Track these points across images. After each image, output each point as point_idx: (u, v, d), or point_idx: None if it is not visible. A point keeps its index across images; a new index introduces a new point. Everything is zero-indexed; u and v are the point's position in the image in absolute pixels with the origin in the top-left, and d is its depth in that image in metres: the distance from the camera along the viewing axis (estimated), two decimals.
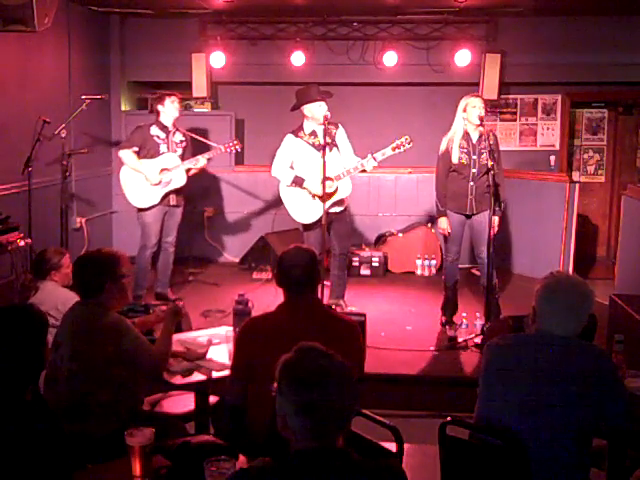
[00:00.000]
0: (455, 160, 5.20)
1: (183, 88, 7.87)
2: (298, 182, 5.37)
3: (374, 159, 5.23)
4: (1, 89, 5.59)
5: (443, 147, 5.29)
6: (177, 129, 5.96)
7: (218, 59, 7.49)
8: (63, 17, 6.40)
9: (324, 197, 5.05)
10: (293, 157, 5.42)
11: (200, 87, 7.57)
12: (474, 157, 5.17)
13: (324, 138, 5.04)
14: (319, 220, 5.34)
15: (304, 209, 5.43)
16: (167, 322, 3.17)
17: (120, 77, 7.84)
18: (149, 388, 3.43)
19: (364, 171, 5.37)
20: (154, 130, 5.84)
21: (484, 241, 5.13)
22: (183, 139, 5.98)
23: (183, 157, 5.89)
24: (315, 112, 5.28)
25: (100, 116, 7.42)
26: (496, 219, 5.20)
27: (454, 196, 5.27)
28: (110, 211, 7.72)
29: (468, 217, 5.30)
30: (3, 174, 5.51)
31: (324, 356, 1.81)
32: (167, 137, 5.86)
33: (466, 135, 5.21)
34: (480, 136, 5.17)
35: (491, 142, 5.16)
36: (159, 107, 5.87)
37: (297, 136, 5.41)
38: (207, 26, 7.68)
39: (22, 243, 5.07)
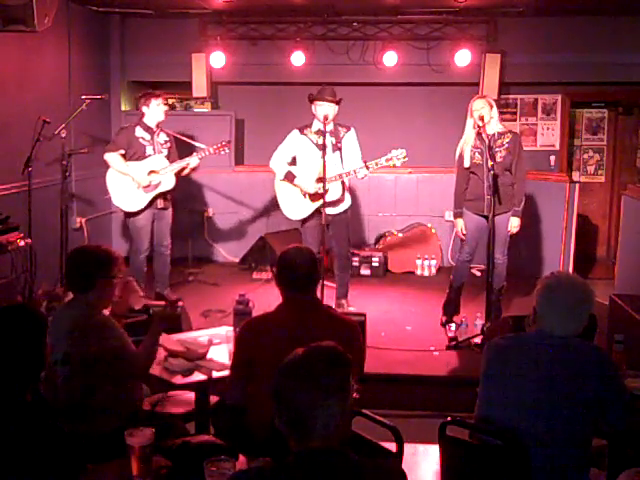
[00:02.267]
0: (467, 164, 5.23)
1: (183, 88, 7.89)
2: (290, 178, 5.44)
3: (366, 167, 5.22)
4: (1, 89, 5.59)
5: (458, 152, 5.33)
6: (161, 129, 5.87)
7: (218, 59, 7.49)
8: (63, 17, 6.40)
9: (324, 195, 5.06)
10: (295, 152, 5.48)
11: (200, 87, 7.57)
12: (487, 156, 5.16)
13: (323, 138, 5.05)
14: (313, 218, 5.38)
15: (293, 205, 5.50)
16: (154, 326, 3.11)
17: (120, 77, 7.84)
18: (152, 388, 3.43)
19: (357, 178, 5.34)
20: (139, 132, 5.75)
21: (499, 243, 5.14)
22: (167, 139, 5.90)
23: (168, 158, 5.80)
24: (317, 110, 5.33)
25: (100, 116, 7.42)
26: (516, 220, 5.21)
27: (473, 197, 5.28)
28: (110, 211, 7.71)
29: (487, 218, 5.27)
30: (3, 174, 5.51)
31: (324, 361, 1.77)
32: (152, 138, 5.78)
33: (479, 136, 5.21)
34: (487, 136, 5.13)
35: (507, 140, 5.17)
36: (144, 108, 5.78)
37: (302, 133, 5.48)
38: (207, 26, 7.68)
39: (22, 243, 5.06)
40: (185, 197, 7.31)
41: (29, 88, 5.97)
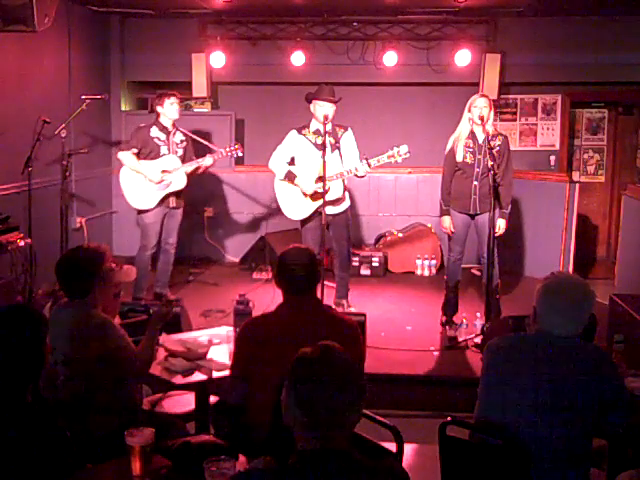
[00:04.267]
0: (459, 159, 5.21)
1: (183, 88, 7.86)
2: (290, 178, 5.43)
3: (368, 165, 5.21)
4: (1, 89, 5.59)
5: (449, 146, 5.30)
6: (177, 129, 5.92)
7: (218, 59, 7.49)
8: (63, 17, 6.40)
9: (324, 195, 5.04)
10: (294, 153, 5.47)
11: (200, 87, 7.56)
12: (479, 157, 5.16)
13: (323, 138, 5.04)
14: (314, 219, 5.38)
15: (294, 205, 5.50)
16: (152, 325, 3.12)
17: (120, 77, 7.83)
18: (153, 388, 3.44)
19: (357, 176, 5.33)
20: (154, 132, 5.79)
21: (488, 241, 5.13)
22: (184, 139, 5.95)
23: (184, 158, 5.86)
24: (316, 110, 5.32)
25: (100, 116, 7.42)
26: (502, 222, 5.20)
27: (458, 195, 5.27)
28: (110, 211, 7.72)
29: (472, 217, 5.29)
30: (3, 174, 5.51)
31: (337, 359, 1.78)
32: (167, 138, 5.82)
33: (472, 134, 5.20)
34: (486, 136, 5.14)
35: (498, 143, 5.17)
36: (158, 108, 5.83)
37: (300, 133, 5.47)
38: (207, 26, 7.68)
39: (22, 243, 5.07)
40: (185, 197, 7.31)
41: (29, 88, 5.97)
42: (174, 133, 5.88)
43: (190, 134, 6.09)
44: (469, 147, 5.19)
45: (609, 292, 5.27)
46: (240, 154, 6.02)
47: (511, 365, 2.50)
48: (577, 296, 2.51)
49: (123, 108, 7.89)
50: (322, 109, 5.26)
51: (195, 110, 8.07)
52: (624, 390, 2.53)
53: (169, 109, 5.80)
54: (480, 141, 5.17)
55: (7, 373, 2.16)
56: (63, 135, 5.62)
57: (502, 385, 2.50)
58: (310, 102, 5.38)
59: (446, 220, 5.33)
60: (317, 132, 5.37)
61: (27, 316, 2.31)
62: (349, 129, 5.49)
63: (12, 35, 5.16)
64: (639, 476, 2.37)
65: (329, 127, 5.30)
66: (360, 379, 1.78)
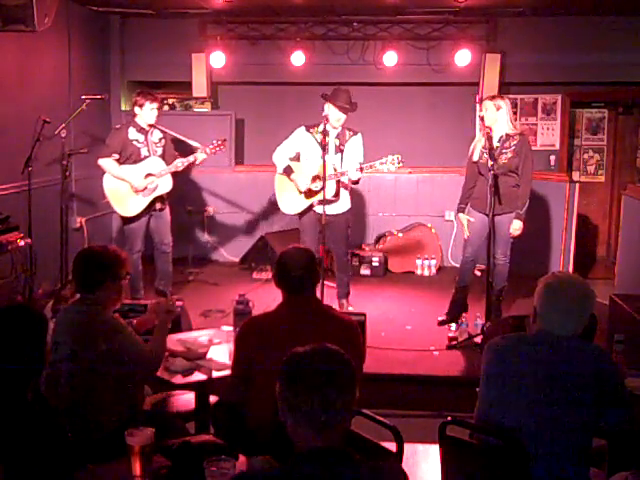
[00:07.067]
0: (475, 158, 5.27)
1: (183, 88, 7.89)
2: (287, 172, 5.50)
3: (360, 170, 5.24)
4: (1, 89, 5.59)
5: (470, 149, 5.37)
6: (155, 127, 5.76)
7: (218, 59, 7.49)
8: (63, 17, 6.40)
9: (324, 193, 5.07)
10: (299, 149, 5.53)
11: (200, 87, 7.56)
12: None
13: (323, 137, 5.06)
14: (307, 215, 5.47)
15: (288, 200, 5.59)
16: (161, 320, 3.13)
17: (120, 77, 7.84)
18: (153, 388, 3.44)
19: (352, 181, 5.36)
20: (132, 133, 5.64)
21: (499, 243, 5.16)
22: (161, 136, 5.80)
23: (163, 156, 5.73)
24: (330, 112, 5.32)
25: (100, 116, 7.42)
26: (518, 222, 5.19)
27: (479, 195, 5.29)
28: (110, 211, 7.69)
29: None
30: (3, 174, 5.51)
31: (328, 357, 1.78)
32: (146, 139, 5.68)
33: (488, 136, 5.21)
34: (500, 137, 5.14)
35: (513, 142, 5.17)
36: (136, 109, 5.66)
37: (308, 131, 5.51)
38: (207, 26, 7.68)
39: (22, 243, 5.07)
40: (185, 197, 7.31)
41: (29, 88, 5.97)
42: (151, 132, 5.72)
43: (168, 131, 5.92)
44: (485, 148, 5.21)
45: (609, 292, 5.27)
46: (223, 149, 5.85)
47: (511, 365, 2.50)
48: (577, 296, 2.51)
49: (123, 108, 7.89)
50: (334, 114, 5.31)
51: (195, 110, 8.08)
52: (624, 390, 2.53)
53: (148, 113, 5.62)
54: (489, 141, 5.17)
55: (7, 373, 2.17)
56: (63, 135, 5.61)
57: (502, 385, 2.50)
58: (325, 100, 5.40)
59: (461, 218, 5.37)
60: (325, 132, 5.40)
61: (27, 316, 2.32)
62: (359, 134, 5.51)
63: (12, 35, 5.16)
64: (633, 478, 2.36)
65: (339, 130, 5.39)
66: (353, 376, 1.76)
